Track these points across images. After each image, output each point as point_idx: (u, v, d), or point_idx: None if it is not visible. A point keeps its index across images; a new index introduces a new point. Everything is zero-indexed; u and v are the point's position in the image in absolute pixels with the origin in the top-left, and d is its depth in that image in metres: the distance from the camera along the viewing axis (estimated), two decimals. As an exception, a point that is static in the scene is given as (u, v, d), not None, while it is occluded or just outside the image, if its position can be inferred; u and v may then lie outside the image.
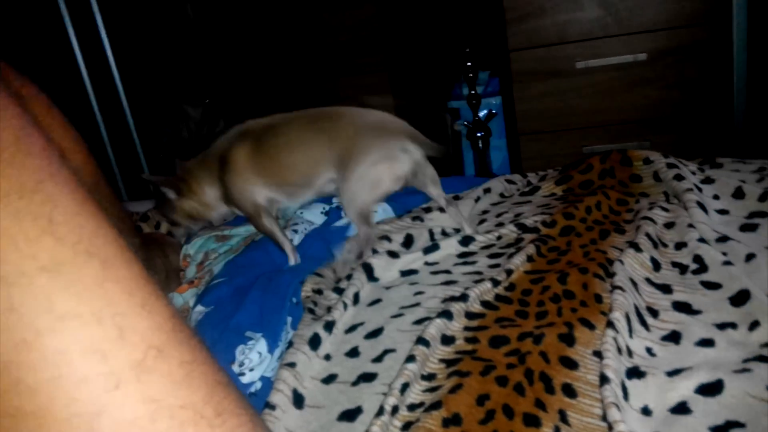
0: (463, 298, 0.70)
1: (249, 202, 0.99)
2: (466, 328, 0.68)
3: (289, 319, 0.75)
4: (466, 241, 0.85)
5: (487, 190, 1.02)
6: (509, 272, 0.75)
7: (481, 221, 0.95)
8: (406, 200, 1.01)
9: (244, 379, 0.67)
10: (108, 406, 0.32)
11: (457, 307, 0.69)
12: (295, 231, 0.97)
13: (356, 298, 0.77)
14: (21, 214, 0.33)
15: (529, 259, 0.78)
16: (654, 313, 0.67)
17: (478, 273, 0.78)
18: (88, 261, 0.34)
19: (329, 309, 0.76)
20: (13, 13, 1.75)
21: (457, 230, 0.92)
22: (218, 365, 0.38)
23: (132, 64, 1.89)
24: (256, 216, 0.98)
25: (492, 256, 0.82)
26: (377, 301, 0.77)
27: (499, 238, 0.86)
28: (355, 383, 0.64)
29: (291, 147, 0.97)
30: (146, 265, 0.88)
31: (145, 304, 0.36)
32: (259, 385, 0.67)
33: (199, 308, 0.81)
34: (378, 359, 0.66)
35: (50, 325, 0.32)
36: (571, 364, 0.60)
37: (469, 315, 0.69)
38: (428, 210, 0.97)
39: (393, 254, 0.84)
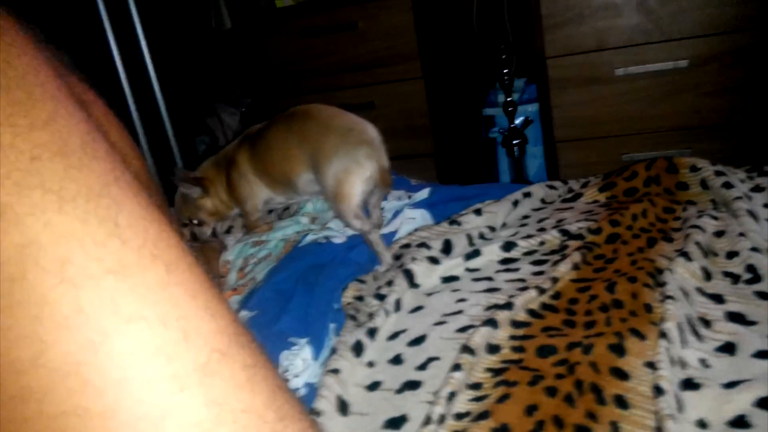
0: (508, 306, 0.69)
1: (250, 200, 1.08)
2: (512, 337, 0.67)
3: (332, 326, 0.75)
4: (508, 246, 0.84)
5: (527, 195, 1.01)
6: (555, 280, 0.73)
7: (522, 225, 0.93)
8: (445, 207, 1.00)
9: (290, 385, 0.67)
10: (173, 409, 0.32)
11: (502, 316, 0.68)
12: (332, 237, 0.97)
13: (398, 305, 0.77)
14: (88, 217, 0.34)
15: (575, 267, 0.76)
16: (707, 323, 0.66)
17: (522, 280, 0.77)
18: (153, 264, 0.34)
19: (371, 315, 0.76)
20: (54, 19, 1.80)
21: (490, 230, 0.91)
22: (277, 370, 0.38)
23: (170, 71, 1.92)
24: (252, 216, 1.08)
25: (535, 263, 0.81)
26: (419, 308, 0.76)
27: (541, 244, 0.85)
28: (399, 391, 0.64)
29: (272, 148, 1.03)
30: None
31: (208, 307, 0.36)
32: (303, 391, 0.67)
33: (243, 313, 0.81)
34: (422, 367, 0.66)
35: (117, 328, 0.32)
36: (622, 375, 0.59)
37: (515, 324, 0.68)
38: (465, 214, 0.96)
39: (433, 260, 0.84)
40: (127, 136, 0.63)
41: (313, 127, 0.96)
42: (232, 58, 2.10)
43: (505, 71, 1.89)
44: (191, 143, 2.02)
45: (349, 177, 0.90)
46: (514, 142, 1.92)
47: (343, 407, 0.63)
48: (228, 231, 1.16)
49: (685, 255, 0.74)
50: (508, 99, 1.91)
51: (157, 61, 1.85)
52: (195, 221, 1.11)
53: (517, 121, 1.96)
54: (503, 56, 1.89)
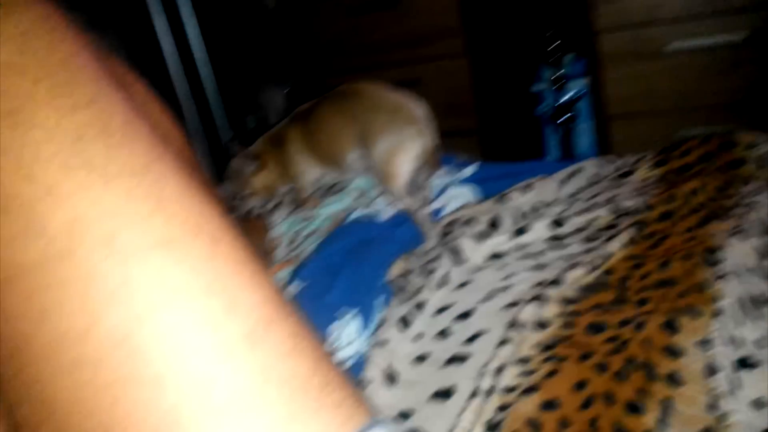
0: (558, 282, 0.69)
1: (302, 177, 1.09)
2: (561, 314, 0.66)
3: (380, 299, 0.76)
4: (558, 223, 0.83)
5: (578, 171, 0.99)
6: (606, 257, 0.72)
7: (573, 202, 0.92)
8: (493, 184, 0.99)
9: (339, 356, 0.68)
10: (221, 376, 0.33)
11: (551, 292, 0.67)
12: (378, 214, 0.98)
13: (445, 280, 0.77)
14: (133, 193, 0.35)
15: (628, 244, 0.75)
16: (763, 302, 0.64)
17: (572, 257, 0.76)
18: (197, 237, 0.36)
19: (418, 290, 0.76)
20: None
21: (540, 207, 0.90)
22: (320, 340, 0.39)
23: (219, 51, 1.95)
24: (302, 191, 1.10)
25: (586, 240, 0.80)
26: (466, 283, 0.76)
27: (593, 221, 0.83)
28: (446, 363, 0.64)
29: (322, 126, 1.03)
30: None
31: (253, 278, 0.37)
32: (352, 361, 0.68)
33: (295, 283, 0.83)
34: (469, 341, 0.66)
35: (164, 299, 0.33)
36: (675, 353, 0.58)
37: (564, 300, 0.68)
38: (513, 190, 0.95)
39: (480, 236, 0.83)
40: (169, 115, 0.64)
41: (361, 105, 0.96)
42: (280, 37, 2.11)
43: (553, 46, 1.85)
44: (241, 122, 2.05)
45: (397, 155, 0.90)
46: (563, 118, 1.88)
47: (391, 378, 0.64)
48: (276, 206, 1.18)
49: (742, 233, 0.72)
50: (557, 74, 1.87)
51: (207, 40, 1.88)
52: (241, 194, 1.13)
53: (566, 97, 1.92)
54: (551, 31, 1.85)
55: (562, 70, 1.89)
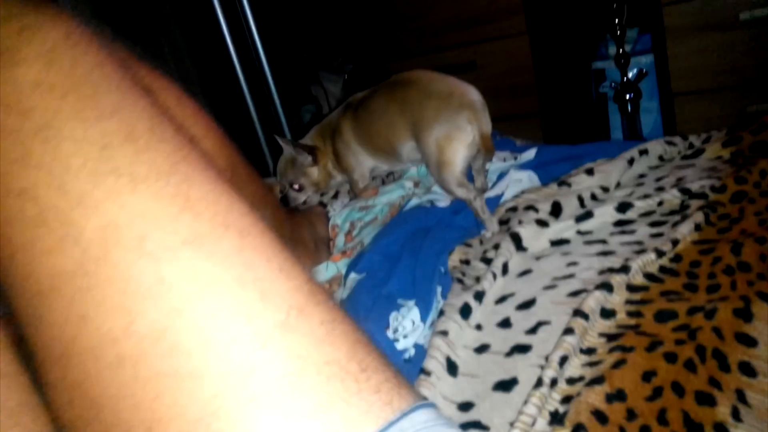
0: (624, 269, 0.67)
1: (356, 169, 1.10)
2: (628, 302, 0.64)
3: (439, 288, 0.75)
4: (623, 207, 0.80)
5: (644, 152, 0.95)
6: (675, 242, 0.70)
7: (638, 185, 0.89)
8: (553, 168, 0.97)
9: (399, 346, 0.68)
10: (258, 364, 0.34)
11: (617, 279, 0.65)
12: (436, 201, 0.97)
13: (505, 269, 0.76)
14: (160, 195, 0.36)
15: (697, 227, 0.72)
16: None
17: (639, 243, 0.74)
18: (226, 232, 0.37)
19: (478, 279, 0.75)
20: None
21: (603, 191, 0.87)
22: (357, 325, 0.40)
23: (275, 41, 1.97)
24: (358, 184, 1.11)
25: (653, 224, 0.77)
26: (527, 271, 0.75)
27: (660, 204, 0.80)
28: (508, 354, 0.63)
29: (375, 117, 1.03)
30: (293, 236, 0.91)
31: (282, 268, 0.38)
32: (412, 351, 0.68)
33: (353, 275, 0.83)
34: (532, 331, 0.65)
35: (197, 293, 0.34)
36: (749, 341, 0.55)
37: (631, 288, 0.66)
38: (575, 174, 0.93)
39: (541, 223, 0.82)
40: (202, 119, 0.67)
41: (413, 94, 0.95)
42: (334, 25, 2.11)
43: (616, 21, 1.78)
44: (297, 112, 2.07)
45: (450, 143, 0.89)
46: (627, 96, 1.81)
47: (452, 368, 0.64)
48: (335, 196, 1.19)
49: (824, 214, 0.68)
50: (620, 51, 1.80)
51: (262, 29, 1.90)
52: (295, 186, 1.15)
53: (630, 74, 1.85)
54: (614, 4, 1.78)
55: (626, 46, 1.81)
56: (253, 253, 0.37)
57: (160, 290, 0.34)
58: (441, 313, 0.70)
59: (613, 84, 1.87)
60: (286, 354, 0.34)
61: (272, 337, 0.34)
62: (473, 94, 0.91)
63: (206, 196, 0.38)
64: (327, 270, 0.92)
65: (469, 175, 0.94)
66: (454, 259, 0.82)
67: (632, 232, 0.77)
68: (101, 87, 0.39)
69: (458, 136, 0.88)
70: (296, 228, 0.99)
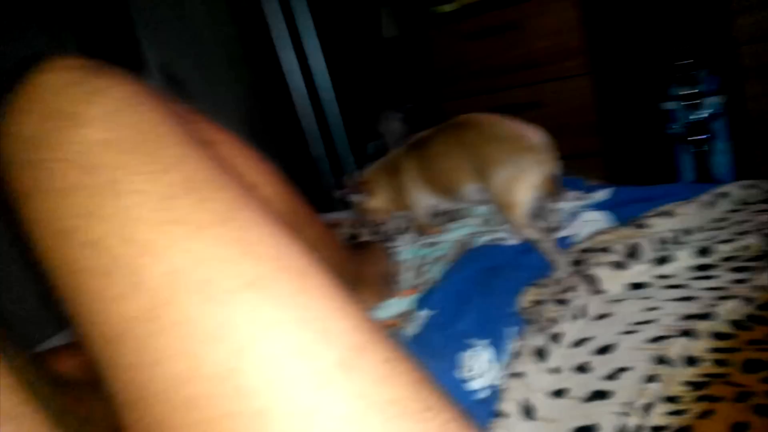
0: (709, 316, 0.64)
1: (417, 206, 1.11)
2: (714, 350, 0.62)
3: (512, 329, 0.74)
4: (705, 251, 0.78)
5: (723, 195, 0.92)
6: (763, 288, 0.67)
7: (719, 228, 0.86)
8: (627, 209, 0.95)
9: (473, 385, 0.67)
10: (321, 403, 0.34)
11: (701, 326, 0.63)
12: (505, 239, 0.96)
13: (582, 311, 0.74)
14: (222, 240, 0.38)
15: (787, 274, 0.69)
16: None
17: (722, 288, 0.71)
18: (285, 274, 0.38)
19: (553, 320, 0.74)
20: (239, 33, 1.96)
21: (683, 234, 0.85)
22: (418, 363, 0.40)
23: (340, 80, 2.02)
24: (418, 220, 1.12)
25: (737, 269, 0.74)
26: (605, 315, 0.73)
27: (742, 249, 0.77)
28: (587, 399, 0.62)
29: (437, 157, 1.03)
30: (357, 274, 0.93)
31: (342, 308, 0.39)
32: (486, 392, 0.67)
33: (424, 311, 0.83)
34: (611, 377, 0.63)
35: (260, 334, 0.35)
36: None
37: (716, 335, 0.63)
38: (652, 216, 0.90)
39: (618, 265, 0.80)
40: (262, 166, 0.70)
41: (477, 136, 0.95)
42: (398, 65, 2.16)
43: (685, 61, 1.75)
44: (363, 149, 2.11)
45: (516, 185, 0.88)
46: (699, 138, 1.77)
47: (528, 411, 0.62)
48: (402, 231, 1.19)
49: None
50: (690, 91, 1.77)
51: (330, 70, 1.96)
52: (364, 223, 1.16)
53: (701, 116, 1.81)
54: (683, 45, 1.75)
55: (696, 88, 1.78)
56: (312, 294, 0.38)
57: (224, 333, 0.35)
58: (516, 354, 0.69)
59: (682, 125, 1.83)
60: (348, 393, 0.35)
61: (333, 376, 0.35)
62: (538, 137, 0.91)
63: (266, 240, 0.39)
64: (397, 305, 0.93)
65: (539, 215, 0.93)
66: (526, 300, 0.81)
67: (715, 277, 0.75)
68: (163, 142, 0.41)
69: (523, 178, 0.88)
70: (360, 264, 1.00)
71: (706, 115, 1.80)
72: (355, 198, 1.14)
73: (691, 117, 1.79)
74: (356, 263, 0.98)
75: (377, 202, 1.15)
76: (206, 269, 0.36)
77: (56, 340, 0.98)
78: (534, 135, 0.91)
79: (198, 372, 0.35)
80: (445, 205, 1.10)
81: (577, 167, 1.39)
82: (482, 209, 1.10)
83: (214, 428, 0.34)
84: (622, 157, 1.90)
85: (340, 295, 0.40)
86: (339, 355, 0.36)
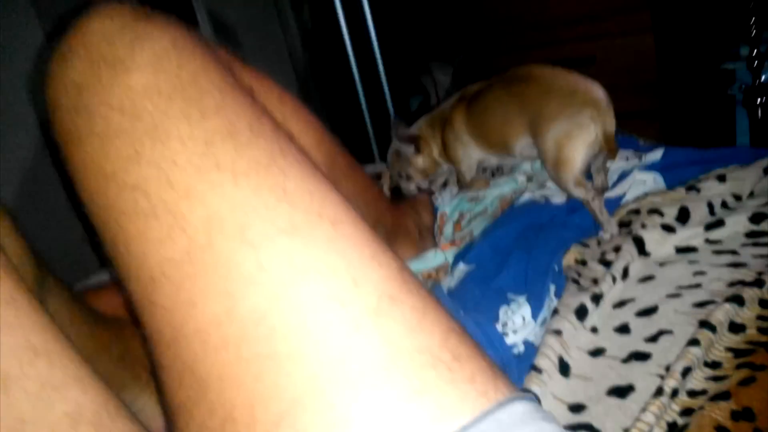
0: (758, 283, 0.63)
1: (464, 160, 1.09)
2: (760, 317, 0.60)
3: (553, 287, 0.74)
4: (758, 218, 0.75)
5: (779, 162, 0.88)
6: (818, 259, 0.65)
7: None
8: (680, 171, 0.92)
9: (508, 340, 0.68)
10: (352, 348, 0.35)
11: (750, 293, 0.62)
12: (550, 196, 0.95)
13: (626, 273, 0.73)
14: (260, 187, 0.38)
15: (844, 246, 0.67)
16: None
17: (773, 257, 0.69)
18: (320, 222, 0.39)
19: (595, 281, 0.73)
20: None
21: (735, 199, 0.82)
22: (449, 314, 0.40)
23: (388, 30, 1.99)
24: (466, 176, 1.10)
25: (790, 238, 0.72)
26: (650, 277, 0.72)
27: (799, 218, 0.75)
28: (626, 360, 0.62)
29: (490, 111, 1.01)
30: (396, 225, 0.94)
31: (374, 257, 0.39)
32: (522, 348, 0.67)
33: (462, 266, 0.83)
34: (652, 339, 0.63)
35: (294, 279, 0.36)
36: None
37: (764, 303, 0.62)
38: (704, 179, 0.87)
39: (667, 228, 0.78)
40: (302, 115, 0.70)
41: (533, 90, 0.93)
42: (448, 16, 2.10)
43: (750, 21, 1.66)
44: (406, 102, 2.09)
45: (570, 141, 0.86)
46: (759, 100, 1.69)
47: (564, 368, 0.63)
48: (444, 185, 1.19)
49: None
50: (754, 52, 1.68)
51: (377, 19, 1.92)
52: (403, 176, 1.16)
53: (763, 77, 1.72)
54: (750, 4, 1.66)
55: (761, 47, 1.69)
56: (345, 242, 0.39)
57: (259, 276, 0.36)
58: (555, 312, 0.69)
59: (743, 86, 1.75)
60: (378, 340, 0.35)
61: (365, 322, 0.35)
62: (597, 92, 0.88)
63: (301, 188, 0.40)
64: (435, 258, 0.93)
65: (588, 173, 0.91)
66: (569, 259, 0.80)
67: (765, 245, 0.73)
68: (204, 89, 0.42)
69: (579, 134, 0.85)
70: (400, 216, 1.00)
71: (765, 77, 1.72)
72: (404, 149, 1.13)
73: (752, 79, 1.71)
74: (396, 215, 0.99)
75: (425, 155, 1.14)
76: (244, 215, 0.37)
77: (100, 277, 1.01)
78: (593, 90, 0.88)
79: (233, 314, 0.35)
80: (493, 159, 1.09)
81: (632, 126, 1.35)
82: (527, 166, 1.08)
83: (247, 369, 0.35)
84: (680, 118, 1.84)
85: (374, 244, 0.40)
86: (370, 303, 0.36)
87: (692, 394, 0.55)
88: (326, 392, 0.34)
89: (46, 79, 0.44)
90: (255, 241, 0.37)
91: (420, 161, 1.15)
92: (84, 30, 0.43)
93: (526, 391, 0.59)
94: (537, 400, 0.57)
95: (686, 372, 0.56)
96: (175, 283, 0.37)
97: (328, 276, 0.37)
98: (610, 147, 0.86)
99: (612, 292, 0.70)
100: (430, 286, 0.85)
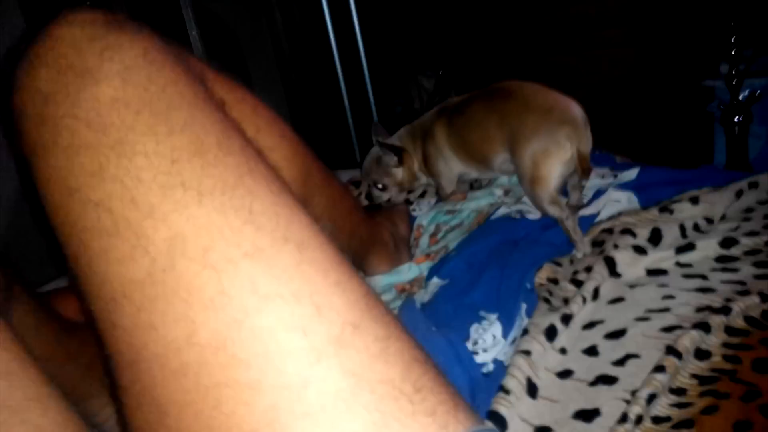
0: (725, 310, 0.63)
1: (445, 173, 1.09)
2: (726, 345, 0.61)
3: (524, 306, 0.74)
4: (728, 243, 0.76)
5: (753, 185, 0.89)
6: (784, 287, 0.66)
7: (745, 219, 0.84)
8: (654, 191, 0.93)
9: (478, 359, 0.68)
10: (312, 379, 0.34)
11: (716, 320, 0.62)
12: (526, 212, 0.95)
13: (596, 293, 0.74)
14: (225, 208, 0.37)
15: (810, 274, 0.68)
16: None
17: (741, 283, 0.70)
18: (285, 245, 0.38)
19: (566, 301, 0.73)
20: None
21: (707, 222, 0.83)
22: (415, 342, 0.39)
23: (373, 35, 1.98)
24: (446, 189, 1.10)
25: (759, 264, 0.73)
26: (619, 299, 0.73)
27: (768, 244, 0.76)
28: (593, 383, 0.62)
29: (470, 126, 1.01)
30: (372, 236, 0.92)
31: (339, 283, 0.38)
32: (491, 366, 0.67)
33: (435, 280, 0.83)
34: (619, 362, 0.63)
35: (256, 305, 0.35)
36: None
37: (730, 330, 0.62)
38: (678, 201, 0.88)
39: (639, 249, 0.79)
40: (277, 126, 0.68)
41: (513, 106, 0.93)
42: (433, 26, 2.11)
43: (731, 38, 1.68)
44: (390, 106, 2.08)
45: (547, 159, 0.86)
46: (736, 119, 1.71)
47: (532, 390, 0.63)
48: (422, 196, 1.19)
49: None
50: (733, 71, 1.70)
51: (363, 24, 1.92)
52: (379, 185, 1.15)
53: (741, 96, 1.74)
54: (731, 23, 1.68)
55: (740, 66, 1.71)
56: (310, 267, 0.38)
57: (221, 301, 0.35)
58: (525, 331, 0.69)
59: (721, 104, 1.77)
60: (340, 370, 0.34)
61: (327, 352, 0.35)
62: (575, 110, 0.88)
63: (268, 210, 0.39)
64: (409, 271, 0.93)
65: (564, 189, 0.92)
66: (541, 277, 0.80)
67: (735, 270, 0.73)
68: (173, 103, 0.40)
69: (555, 152, 0.85)
70: (376, 227, 0.99)
71: (745, 95, 1.74)
72: (387, 159, 1.13)
73: (730, 97, 1.73)
74: (372, 225, 0.98)
75: (406, 168, 1.13)
76: (207, 236, 0.36)
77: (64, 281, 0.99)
78: (571, 108, 0.88)
79: (192, 340, 0.35)
80: (472, 173, 1.09)
81: (610, 141, 1.35)
82: (504, 180, 1.08)
83: (206, 397, 0.34)
84: (658, 134, 1.85)
85: (340, 269, 0.39)
86: (333, 332, 0.36)
87: (657, 420, 0.55)
88: (284, 424, 0.33)
89: (12, 86, 0.43)
90: (218, 264, 0.36)
91: (400, 173, 1.14)
92: (53, 37, 0.42)
93: (494, 413, 0.58)
94: (503, 425, 0.57)
95: (651, 398, 0.56)
96: (136, 305, 0.36)
97: (291, 303, 0.36)
98: (584, 167, 0.86)
99: (582, 312, 0.71)
100: (404, 300, 0.85)
